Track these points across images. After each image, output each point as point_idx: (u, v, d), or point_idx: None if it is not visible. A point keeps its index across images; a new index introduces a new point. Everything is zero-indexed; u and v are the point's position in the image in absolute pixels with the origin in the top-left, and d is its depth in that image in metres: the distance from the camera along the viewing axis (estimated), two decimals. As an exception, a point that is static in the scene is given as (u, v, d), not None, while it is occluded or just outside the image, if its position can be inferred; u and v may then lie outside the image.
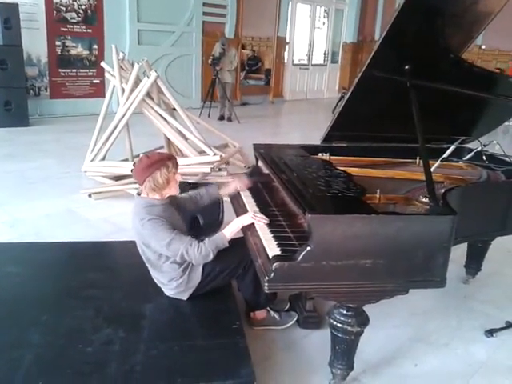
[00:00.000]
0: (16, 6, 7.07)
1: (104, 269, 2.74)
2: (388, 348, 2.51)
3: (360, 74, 2.44)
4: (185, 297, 2.40)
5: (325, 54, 13.55)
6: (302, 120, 9.94)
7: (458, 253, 3.01)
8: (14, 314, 2.28)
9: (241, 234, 2.34)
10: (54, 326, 2.18)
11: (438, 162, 2.62)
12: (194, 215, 2.80)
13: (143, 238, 2.32)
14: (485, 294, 3.11)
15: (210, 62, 8.79)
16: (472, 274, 3.21)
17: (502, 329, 2.68)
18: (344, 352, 2.05)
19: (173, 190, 2.38)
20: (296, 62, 12.79)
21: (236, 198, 2.74)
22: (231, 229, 2.29)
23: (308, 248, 1.79)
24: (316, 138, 2.92)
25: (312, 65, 13.13)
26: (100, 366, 1.93)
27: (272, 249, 1.98)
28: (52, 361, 1.96)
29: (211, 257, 2.24)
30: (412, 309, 2.85)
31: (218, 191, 2.71)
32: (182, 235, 2.26)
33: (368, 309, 2.03)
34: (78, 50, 8.44)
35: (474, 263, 3.19)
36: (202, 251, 2.21)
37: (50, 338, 2.10)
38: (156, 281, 2.44)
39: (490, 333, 2.66)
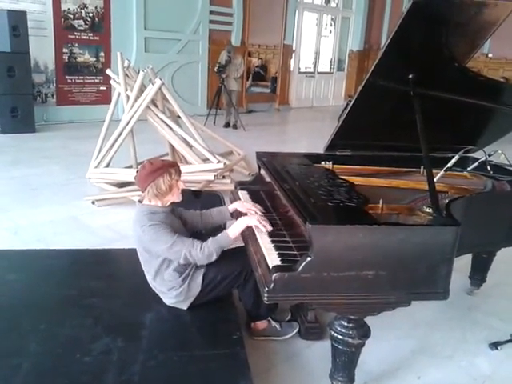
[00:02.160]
0: (24, 13, 7.13)
1: (105, 277, 2.73)
2: (390, 360, 2.48)
3: (363, 83, 2.42)
4: (185, 306, 2.38)
5: (331, 61, 13.57)
6: (308, 128, 9.94)
7: (463, 263, 2.98)
8: (13, 321, 2.27)
9: (242, 243, 2.32)
10: (53, 335, 2.16)
11: (442, 172, 2.59)
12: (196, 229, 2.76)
13: (144, 244, 2.30)
14: (489, 306, 3.06)
15: (215, 69, 8.81)
16: (476, 285, 3.17)
17: (506, 342, 2.64)
18: (345, 364, 2.02)
19: (175, 197, 2.37)
20: (302, 69, 12.82)
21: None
22: (235, 228, 2.26)
23: (308, 258, 1.77)
24: (321, 146, 2.90)
25: (318, 73, 13.15)
26: (97, 376, 1.91)
27: (272, 259, 1.96)
28: (49, 370, 1.94)
29: (214, 257, 2.22)
30: (415, 320, 2.81)
31: (228, 209, 2.61)
32: (184, 237, 2.25)
33: (370, 320, 2.00)
34: (85, 57, 8.50)
35: (478, 274, 3.15)
36: (204, 251, 2.19)
37: (48, 346, 2.09)
38: (155, 290, 2.42)
39: (495, 346, 2.62)
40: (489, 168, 2.77)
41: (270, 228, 2.20)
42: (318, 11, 12.61)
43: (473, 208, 2.28)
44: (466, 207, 2.19)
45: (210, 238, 2.24)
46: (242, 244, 2.32)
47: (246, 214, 2.43)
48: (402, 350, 2.57)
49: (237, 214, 2.54)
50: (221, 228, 3.12)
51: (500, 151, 2.76)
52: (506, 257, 3.19)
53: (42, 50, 7.88)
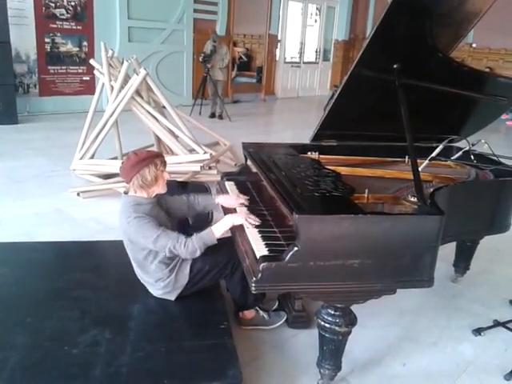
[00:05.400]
0: (4, 2, 6.97)
1: (92, 269, 2.72)
2: (376, 347, 2.51)
3: (349, 73, 2.43)
4: (172, 297, 2.38)
5: (316, 51, 13.52)
6: (294, 118, 9.93)
7: (447, 251, 3.02)
8: (-1, 314, 2.26)
9: (229, 234, 2.32)
10: (40, 328, 2.15)
11: (427, 161, 2.62)
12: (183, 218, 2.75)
13: (130, 235, 2.30)
14: (473, 293, 3.12)
15: (200, 59, 8.73)
16: (461, 272, 3.22)
17: (489, 327, 2.69)
18: (332, 352, 2.05)
19: (160, 188, 2.36)
20: (288, 59, 12.76)
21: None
22: (221, 226, 2.24)
23: (295, 248, 1.79)
24: (307, 136, 2.91)
25: (304, 62, 13.10)
26: (85, 368, 1.91)
27: (260, 249, 1.97)
28: (37, 363, 1.94)
29: (198, 253, 2.21)
30: (400, 308, 2.85)
31: (215, 199, 2.60)
32: (169, 231, 2.24)
33: (356, 308, 2.02)
34: (68, 46, 8.34)
35: (462, 262, 3.20)
36: (188, 247, 2.18)
37: (35, 339, 2.08)
38: (143, 281, 2.43)
39: (478, 332, 2.68)
40: (472, 157, 2.81)
41: (257, 223, 2.20)
42: (303, 0, 12.54)
43: (457, 197, 2.31)
44: (450, 196, 2.23)
45: (195, 235, 2.23)
46: (229, 235, 2.32)
47: (233, 210, 2.44)
48: (388, 338, 2.61)
49: (224, 207, 2.55)
50: (207, 220, 3.12)
51: (483, 141, 2.80)
52: (489, 245, 3.25)
53: (23, 39, 7.72)
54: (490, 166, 2.76)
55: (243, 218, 2.21)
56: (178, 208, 2.54)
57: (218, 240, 2.27)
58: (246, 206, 2.46)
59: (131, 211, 2.25)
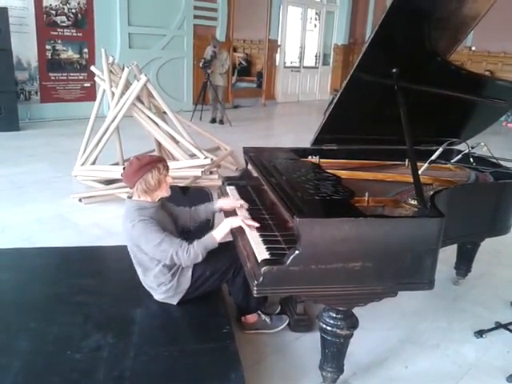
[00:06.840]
0: (5, 10, 7.03)
1: (94, 274, 2.73)
2: (378, 350, 2.52)
3: (348, 77, 2.45)
4: (175, 301, 2.39)
5: (316, 56, 13.58)
6: (294, 122, 9.95)
7: (448, 254, 3.03)
8: (2, 320, 2.26)
9: (230, 238, 2.34)
10: (43, 333, 2.16)
11: (427, 164, 2.63)
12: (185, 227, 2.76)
13: (134, 239, 2.31)
14: (475, 295, 3.12)
15: (201, 64, 8.77)
16: (462, 275, 3.23)
17: (491, 329, 2.69)
18: (334, 355, 2.05)
19: (164, 192, 2.38)
20: (288, 64, 12.82)
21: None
22: (221, 230, 2.28)
23: (297, 252, 1.79)
24: (308, 141, 2.92)
25: (304, 67, 13.16)
26: (88, 372, 1.92)
27: (261, 253, 1.98)
28: (40, 368, 1.95)
29: (200, 258, 2.23)
30: (402, 310, 2.86)
31: (215, 205, 2.62)
32: (172, 237, 2.26)
33: (358, 311, 2.03)
34: (69, 53, 8.39)
35: (463, 264, 3.20)
36: (191, 254, 2.21)
37: (39, 344, 2.09)
38: (145, 285, 2.44)
39: (480, 334, 2.68)
40: (472, 160, 2.82)
41: (256, 225, 2.22)
42: (303, 5, 12.59)
43: (457, 199, 2.32)
44: (450, 199, 2.23)
45: (196, 241, 2.25)
46: (231, 239, 2.34)
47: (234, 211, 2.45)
48: (390, 340, 2.61)
49: (225, 211, 2.57)
50: (208, 226, 3.11)
51: (483, 143, 2.81)
52: (490, 247, 3.26)
53: (25, 46, 7.77)
54: (489, 169, 2.77)
55: (241, 219, 2.24)
56: (182, 219, 2.58)
57: (220, 244, 2.29)
58: (247, 210, 2.48)
59: (135, 215, 2.26)
